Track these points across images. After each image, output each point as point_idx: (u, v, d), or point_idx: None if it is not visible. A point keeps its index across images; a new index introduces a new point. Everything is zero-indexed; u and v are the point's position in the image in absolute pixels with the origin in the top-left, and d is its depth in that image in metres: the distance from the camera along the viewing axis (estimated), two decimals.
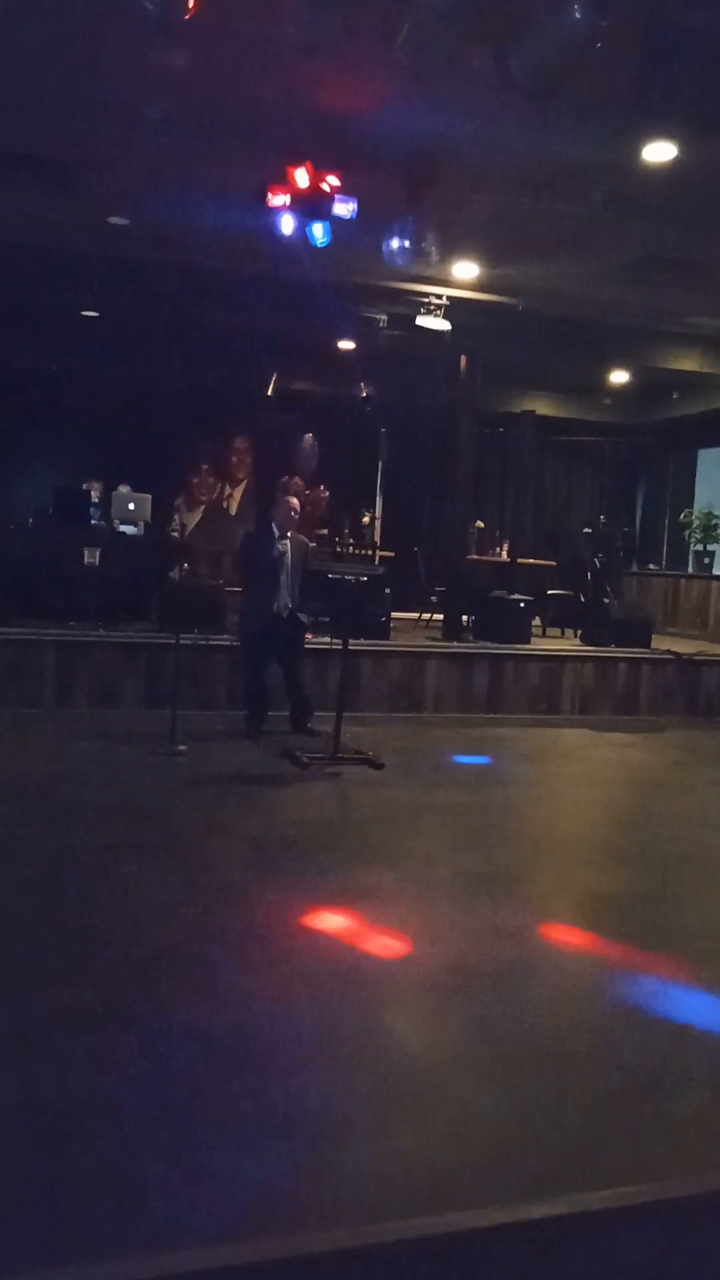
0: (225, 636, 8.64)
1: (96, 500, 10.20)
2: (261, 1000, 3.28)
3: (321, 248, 7.17)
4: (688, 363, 11.72)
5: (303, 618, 7.50)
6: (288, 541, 7.49)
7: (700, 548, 13.73)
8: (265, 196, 6.96)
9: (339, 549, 11.24)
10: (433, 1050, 3.07)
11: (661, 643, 10.74)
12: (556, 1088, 2.86)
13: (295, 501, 7.88)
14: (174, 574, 9.05)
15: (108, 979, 3.35)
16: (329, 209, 6.83)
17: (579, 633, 11.09)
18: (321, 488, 12.35)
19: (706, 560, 13.82)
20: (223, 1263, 1.70)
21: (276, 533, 7.48)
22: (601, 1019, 3.36)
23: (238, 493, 11.33)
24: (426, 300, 9.59)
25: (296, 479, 11.37)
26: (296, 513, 7.77)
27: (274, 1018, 3.16)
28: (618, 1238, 1.80)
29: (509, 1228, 1.74)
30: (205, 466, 11.06)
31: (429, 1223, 1.82)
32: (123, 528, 9.81)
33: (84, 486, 10.25)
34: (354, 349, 11.50)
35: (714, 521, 13.23)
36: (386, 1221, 2.01)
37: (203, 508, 10.83)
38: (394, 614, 9.96)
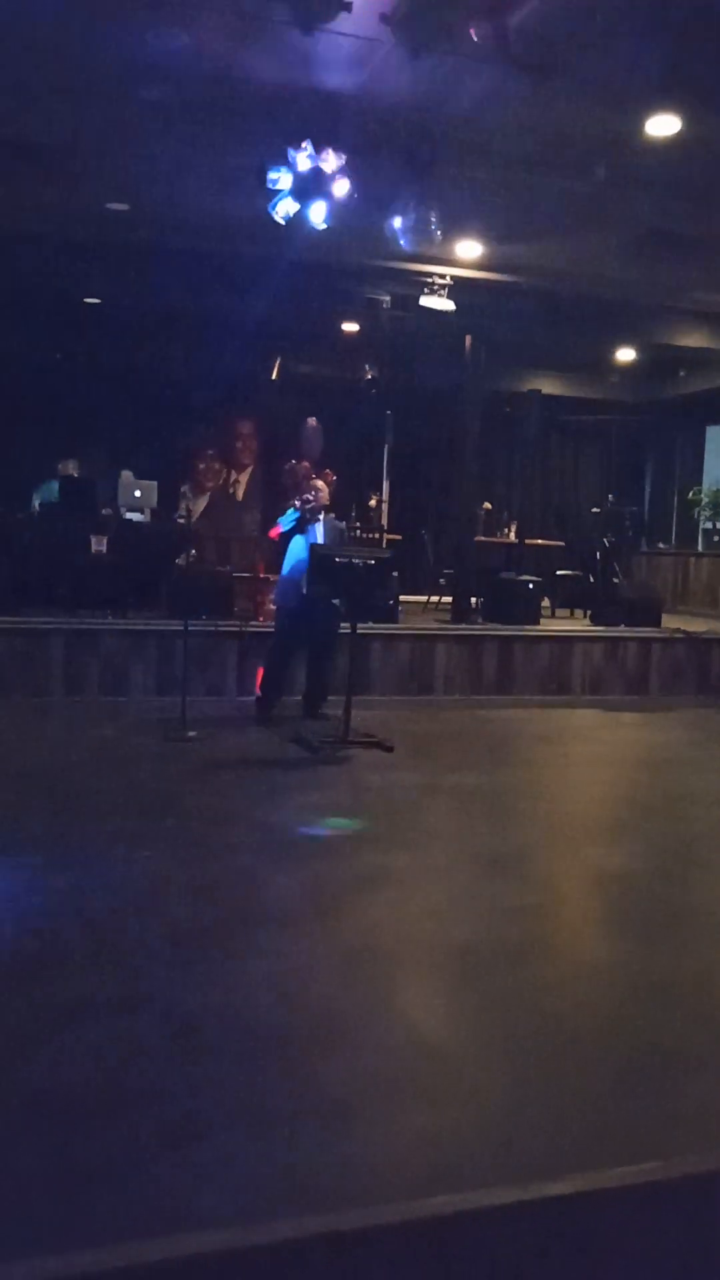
0: (234, 622, 8.65)
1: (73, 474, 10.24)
2: (274, 983, 3.29)
3: (322, 229, 7.11)
4: (695, 339, 11.63)
5: (335, 603, 7.46)
6: (320, 524, 7.51)
7: (710, 525, 13.66)
8: (265, 178, 6.91)
9: (346, 531, 11.20)
10: (445, 1030, 3.07)
11: (672, 621, 10.70)
12: (570, 1067, 2.86)
13: (322, 484, 7.86)
14: (182, 560, 9.04)
15: (121, 966, 3.36)
16: (329, 189, 6.77)
17: (588, 613, 11.06)
18: (328, 471, 12.31)
19: (716, 538, 13.75)
20: (235, 1245, 1.71)
21: (308, 516, 7.47)
22: (615, 998, 3.36)
23: (244, 478, 11.31)
24: (430, 280, 9.52)
25: (303, 463, 11.34)
26: (324, 494, 7.75)
27: (287, 1001, 3.17)
28: (632, 1215, 1.81)
29: (521, 1206, 1.75)
30: (211, 452, 11.04)
31: (441, 1202, 1.82)
32: (130, 515, 9.80)
33: (58, 466, 10.26)
34: (358, 331, 11.45)
35: None
36: (398, 1201, 2.01)
37: (209, 494, 10.81)
38: (402, 597, 9.95)
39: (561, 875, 4.65)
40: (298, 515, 7.47)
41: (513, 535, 12.59)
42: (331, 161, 6.76)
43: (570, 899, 4.37)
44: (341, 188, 6.85)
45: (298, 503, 7.57)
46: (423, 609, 11.00)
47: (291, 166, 6.80)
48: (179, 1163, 2.32)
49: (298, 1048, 2.87)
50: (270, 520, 8.35)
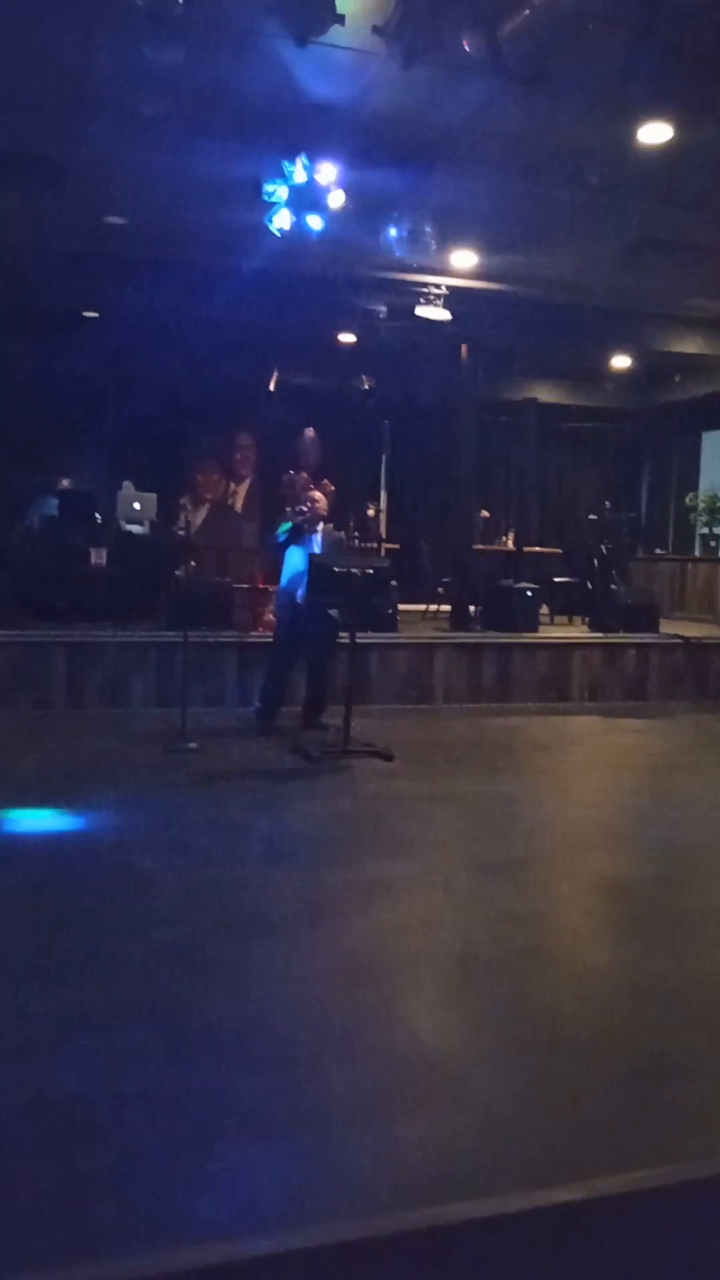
0: (233, 633, 8.66)
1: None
2: (276, 993, 3.28)
3: (319, 239, 7.15)
4: (689, 345, 11.66)
5: (334, 614, 7.46)
6: (318, 535, 7.53)
7: (706, 530, 13.69)
8: (261, 190, 6.95)
9: (345, 542, 11.21)
10: (446, 1038, 3.07)
11: (670, 627, 10.71)
12: (571, 1073, 2.86)
13: (320, 495, 7.88)
14: (181, 572, 9.05)
15: (122, 977, 3.36)
16: (324, 201, 6.81)
17: (587, 620, 11.06)
18: (326, 482, 12.33)
19: (713, 543, 13.77)
20: (237, 1256, 1.70)
21: (304, 526, 7.49)
22: (617, 1004, 3.36)
23: (242, 489, 11.29)
24: (425, 290, 9.56)
25: (302, 474, 11.36)
26: (322, 505, 7.77)
27: (288, 1010, 3.17)
28: (636, 1222, 1.80)
29: (525, 1214, 1.75)
30: (209, 464, 11.04)
31: (443, 1211, 1.82)
32: (129, 527, 9.82)
33: (57, 483, 10.38)
34: (355, 342, 11.48)
35: None
36: (401, 1211, 2.01)
37: (208, 505, 10.80)
38: (401, 606, 9.94)
39: (562, 882, 4.65)
40: (290, 526, 7.49)
41: (510, 543, 12.61)
42: (326, 173, 6.81)
43: (571, 906, 4.36)
44: (337, 199, 6.89)
45: (289, 510, 7.59)
46: (421, 618, 11.00)
47: (287, 179, 6.84)
48: (180, 1173, 2.31)
49: (299, 1057, 2.87)
50: (269, 531, 8.38)
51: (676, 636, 10.24)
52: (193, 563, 9.08)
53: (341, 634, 7.38)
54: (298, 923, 3.91)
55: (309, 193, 6.83)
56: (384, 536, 12.59)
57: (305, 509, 7.59)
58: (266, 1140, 2.45)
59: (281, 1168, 2.35)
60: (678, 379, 13.82)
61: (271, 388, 12.07)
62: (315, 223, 6.99)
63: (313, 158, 6.74)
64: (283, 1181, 2.30)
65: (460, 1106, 2.67)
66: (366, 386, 12.52)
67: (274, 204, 7.02)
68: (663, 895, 4.47)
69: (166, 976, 3.38)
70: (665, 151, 6.58)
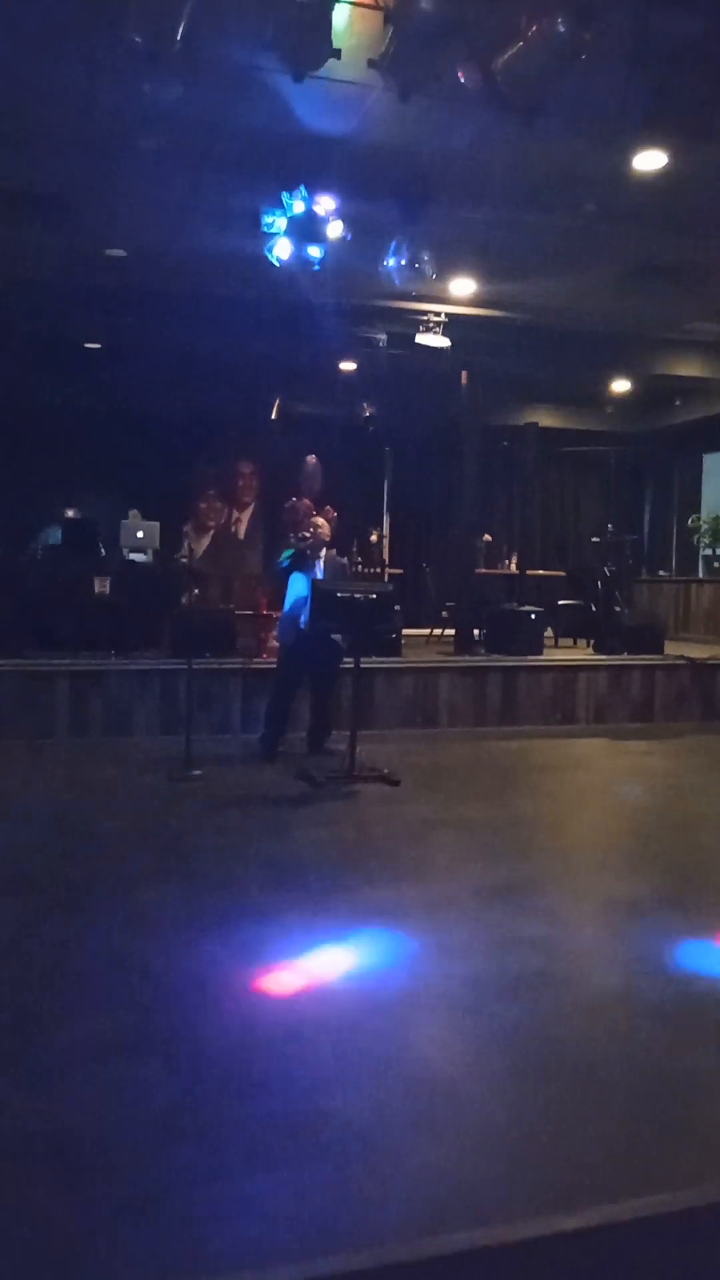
0: (237, 660, 8.67)
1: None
2: (285, 1020, 3.26)
3: (319, 270, 7.22)
4: (689, 368, 11.73)
5: (337, 639, 7.47)
6: (321, 561, 7.56)
7: (710, 552, 13.70)
8: (260, 221, 7.03)
9: (348, 568, 11.24)
10: (454, 1063, 3.05)
11: (674, 648, 10.70)
12: (582, 1098, 2.83)
13: (322, 521, 7.91)
14: (184, 599, 9.08)
15: (130, 1007, 3.34)
16: (323, 231, 6.89)
17: (591, 642, 11.06)
18: (329, 508, 12.38)
19: (716, 564, 13.78)
20: None
21: (307, 551, 7.52)
22: (625, 1028, 3.33)
23: (245, 516, 11.34)
24: (425, 318, 9.64)
25: (304, 500, 11.41)
26: (325, 531, 7.80)
27: (297, 1037, 3.14)
28: (647, 1247, 1.78)
29: (534, 1241, 1.73)
30: (212, 492, 11.10)
31: (452, 1240, 1.80)
32: (132, 556, 9.86)
33: (61, 513, 10.53)
34: (355, 369, 11.56)
35: None
36: (413, 1240, 1.99)
37: (211, 533, 10.85)
38: (405, 630, 9.96)
39: (570, 905, 4.62)
40: (293, 552, 7.52)
41: (514, 566, 12.62)
42: (325, 204, 6.89)
43: (579, 929, 4.33)
44: (335, 229, 6.97)
45: (292, 537, 7.63)
46: (425, 642, 11.01)
47: (286, 210, 6.92)
48: (190, 1204, 2.29)
49: (306, 1085, 2.85)
50: (272, 558, 8.41)
51: (681, 658, 10.24)
52: (196, 590, 9.11)
53: (345, 659, 7.38)
54: (304, 950, 3.89)
55: (308, 223, 6.91)
56: (387, 561, 12.62)
57: (308, 535, 7.62)
58: (273, 1170, 2.43)
59: (288, 1197, 2.32)
60: (678, 402, 13.90)
61: (273, 416, 12.15)
62: (314, 252, 7.07)
63: (311, 189, 6.82)
64: (289, 1211, 2.27)
65: (469, 1132, 2.64)
66: (367, 414, 12.59)
67: (273, 234, 7.10)
68: (671, 917, 4.45)
69: (173, 1006, 3.36)
70: (661, 178, 6.66)
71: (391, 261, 7.56)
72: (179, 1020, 3.25)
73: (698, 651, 10.66)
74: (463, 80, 5.18)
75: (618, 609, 11.02)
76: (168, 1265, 2.10)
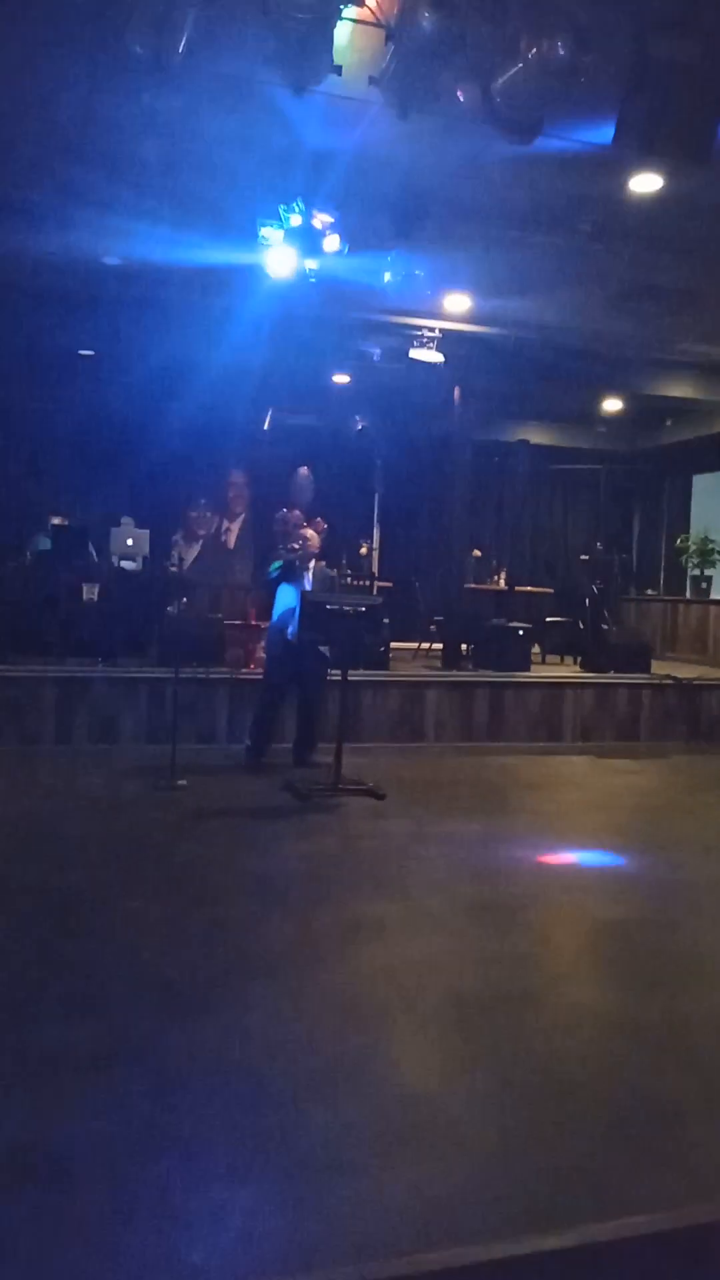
0: (224, 670, 8.65)
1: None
2: (264, 1034, 3.24)
3: (315, 283, 7.25)
4: (680, 389, 11.79)
5: (323, 650, 7.46)
6: (309, 573, 7.56)
7: (697, 572, 13.74)
8: (257, 234, 7.05)
9: (337, 580, 11.25)
10: (437, 1081, 3.03)
11: (661, 668, 10.73)
12: (564, 1117, 2.82)
13: (311, 533, 7.92)
14: (173, 608, 9.05)
15: (110, 1016, 3.32)
16: (320, 245, 6.91)
17: (578, 659, 11.08)
18: (319, 520, 12.38)
19: (704, 585, 13.83)
20: None
21: (296, 562, 7.52)
22: (607, 1046, 3.32)
23: (235, 526, 11.34)
24: (419, 333, 9.68)
25: (295, 511, 11.41)
26: (314, 543, 7.81)
27: (276, 1051, 3.12)
28: (626, 1268, 1.77)
29: (514, 1261, 1.72)
30: (203, 501, 11.10)
31: (435, 1258, 1.79)
32: (122, 564, 9.84)
33: (50, 522, 10.50)
34: (348, 382, 11.59)
35: (710, 546, 13.25)
36: (390, 1258, 1.97)
37: (200, 542, 10.84)
38: (393, 644, 9.96)
39: (554, 923, 4.62)
40: (283, 564, 7.52)
41: (502, 582, 12.65)
42: (323, 218, 6.91)
43: (563, 947, 4.33)
44: (332, 243, 6.99)
45: (282, 548, 7.64)
46: (413, 656, 11.00)
47: (283, 223, 6.94)
48: (168, 1220, 2.27)
49: (288, 1100, 2.83)
50: (261, 568, 8.40)
51: (668, 677, 10.27)
52: (184, 599, 9.09)
53: (333, 671, 7.38)
54: (286, 963, 3.87)
55: (305, 236, 6.93)
56: (376, 574, 12.63)
57: (298, 546, 7.62)
58: (254, 1186, 2.41)
59: (268, 1213, 2.31)
60: (668, 422, 13.97)
61: (266, 426, 12.16)
62: (311, 265, 7.09)
63: (309, 202, 6.85)
64: (269, 1228, 2.26)
65: (451, 1150, 2.63)
66: (360, 426, 12.63)
67: (270, 247, 7.12)
68: (655, 937, 4.45)
69: (152, 1016, 3.33)
70: (657, 201, 6.71)
71: (387, 276, 7.59)
72: (154, 1032, 3.23)
73: (684, 671, 10.70)
74: (462, 99, 5.20)
75: (605, 627, 11.06)
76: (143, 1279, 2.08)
